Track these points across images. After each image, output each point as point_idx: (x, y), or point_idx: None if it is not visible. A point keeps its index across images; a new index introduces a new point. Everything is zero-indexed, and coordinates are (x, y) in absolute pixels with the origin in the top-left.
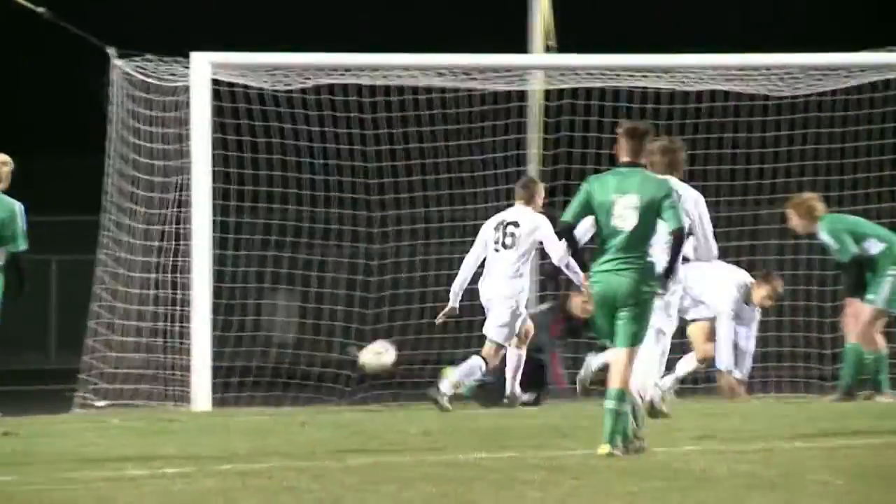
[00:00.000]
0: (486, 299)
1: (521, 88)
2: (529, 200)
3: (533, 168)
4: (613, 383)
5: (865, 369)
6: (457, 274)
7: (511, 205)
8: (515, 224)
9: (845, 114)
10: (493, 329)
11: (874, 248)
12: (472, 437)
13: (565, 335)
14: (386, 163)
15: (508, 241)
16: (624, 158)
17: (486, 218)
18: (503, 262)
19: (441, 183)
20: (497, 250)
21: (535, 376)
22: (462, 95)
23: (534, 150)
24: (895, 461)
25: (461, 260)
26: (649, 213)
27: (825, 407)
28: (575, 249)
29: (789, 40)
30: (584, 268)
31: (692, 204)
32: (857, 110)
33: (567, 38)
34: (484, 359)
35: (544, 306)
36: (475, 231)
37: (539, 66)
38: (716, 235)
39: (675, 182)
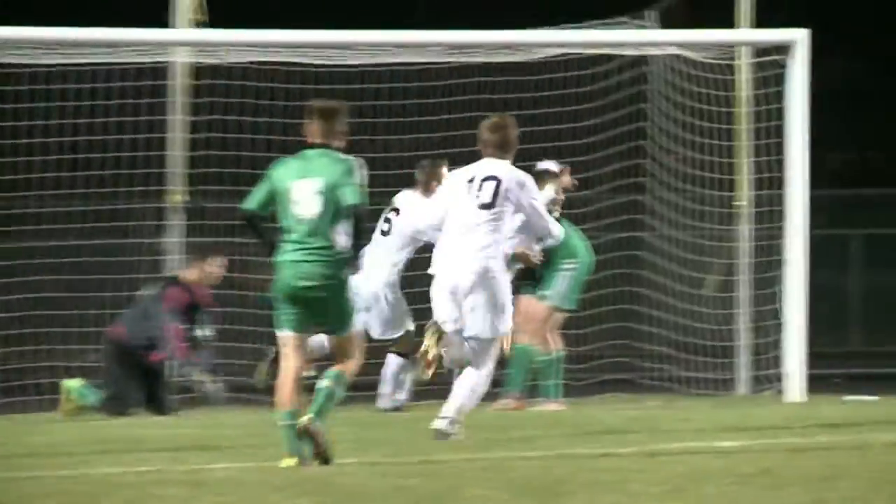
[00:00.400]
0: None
1: (162, 63)
2: (426, 186)
3: (178, 154)
4: (336, 367)
5: (536, 373)
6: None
7: None
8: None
9: (520, 96)
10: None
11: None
12: (101, 450)
13: (184, 306)
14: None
15: (385, 227)
16: (314, 140)
17: (129, 205)
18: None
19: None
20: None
21: (152, 387)
22: (97, 70)
23: (178, 134)
24: (561, 473)
25: (87, 248)
26: (334, 197)
27: (492, 415)
28: (262, 237)
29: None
30: (270, 253)
31: (531, 183)
32: (532, 92)
33: (217, 11)
34: (403, 354)
35: (152, 289)
36: (112, 218)
37: (185, 41)
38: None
39: (501, 165)
